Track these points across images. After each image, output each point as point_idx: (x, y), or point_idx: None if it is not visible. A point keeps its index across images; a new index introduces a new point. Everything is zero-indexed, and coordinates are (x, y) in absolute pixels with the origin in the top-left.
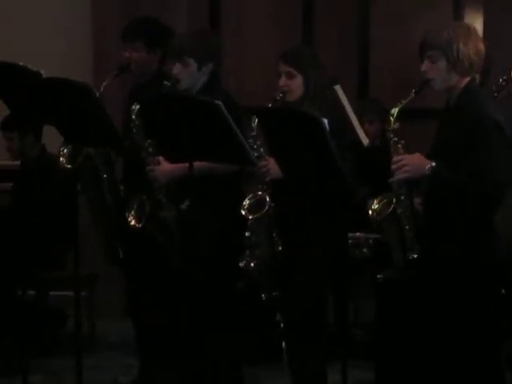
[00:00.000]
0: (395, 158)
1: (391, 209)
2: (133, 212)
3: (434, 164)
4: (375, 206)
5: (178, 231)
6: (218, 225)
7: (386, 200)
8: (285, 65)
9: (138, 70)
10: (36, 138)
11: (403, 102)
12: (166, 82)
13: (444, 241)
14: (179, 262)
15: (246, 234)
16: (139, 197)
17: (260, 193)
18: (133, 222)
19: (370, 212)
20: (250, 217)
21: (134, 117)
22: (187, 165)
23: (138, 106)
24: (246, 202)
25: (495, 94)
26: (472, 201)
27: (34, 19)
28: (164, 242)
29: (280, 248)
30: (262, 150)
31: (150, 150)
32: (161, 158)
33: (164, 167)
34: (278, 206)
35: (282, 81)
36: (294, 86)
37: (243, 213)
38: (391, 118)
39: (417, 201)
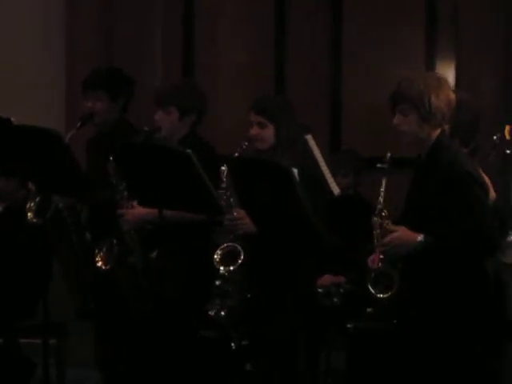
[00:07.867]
0: (384, 241)
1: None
2: (101, 254)
3: (422, 238)
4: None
5: (144, 278)
6: (185, 274)
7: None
8: (256, 115)
9: (101, 120)
10: (21, 183)
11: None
12: (145, 128)
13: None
14: (141, 312)
15: (217, 282)
16: (109, 239)
17: (231, 243)
18: (100, 264)
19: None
20: (222, 268)
21: (111, 158)
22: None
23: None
24: (218, 254)
25: (491, 153)
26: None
27: (8, 68)
28: (129, 288)
29: (249, 296)
30: (231, 200)
31: (125, 193)
32: (134, 203)
33: (135, 211)
34: (251, 257)
35: (254, 130)
36: (266, 135)
37: (216, 265)
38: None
39: None
